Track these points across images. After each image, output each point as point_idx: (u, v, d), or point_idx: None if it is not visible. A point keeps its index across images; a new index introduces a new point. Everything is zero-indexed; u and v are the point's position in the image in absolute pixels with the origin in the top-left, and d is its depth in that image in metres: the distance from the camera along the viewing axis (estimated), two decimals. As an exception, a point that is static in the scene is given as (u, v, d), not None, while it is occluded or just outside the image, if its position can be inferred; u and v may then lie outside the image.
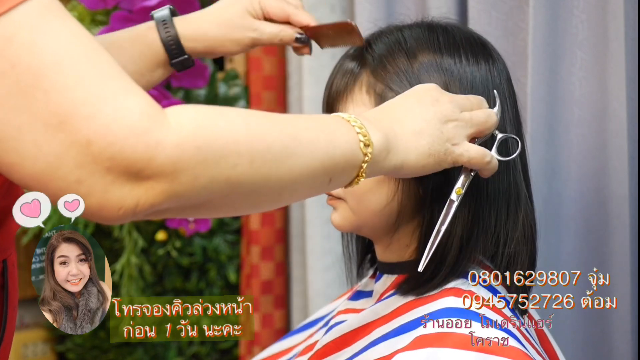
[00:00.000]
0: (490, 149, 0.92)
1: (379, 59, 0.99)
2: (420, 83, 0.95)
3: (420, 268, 0.91)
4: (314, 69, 1.67)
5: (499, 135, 0.93)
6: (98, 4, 1.64)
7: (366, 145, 0.81)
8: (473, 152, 0.88)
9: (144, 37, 1.06)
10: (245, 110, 0.79)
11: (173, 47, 1.05)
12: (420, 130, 0.86)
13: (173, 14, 1.07)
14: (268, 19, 1.06)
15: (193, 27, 1.06)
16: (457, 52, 0.98)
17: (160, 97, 1.56)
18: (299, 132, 0.78)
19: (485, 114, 0.91)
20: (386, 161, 0.84)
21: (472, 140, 0.91)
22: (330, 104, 1.02)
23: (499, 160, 0.92)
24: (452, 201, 0.91)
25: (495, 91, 0.95)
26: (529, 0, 1.30)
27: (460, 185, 0.91)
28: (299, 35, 1.06)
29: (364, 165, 0.82)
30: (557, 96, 1.32)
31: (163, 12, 1.06)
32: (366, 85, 0.99)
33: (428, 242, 0.92)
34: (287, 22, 1.07)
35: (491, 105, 0.95)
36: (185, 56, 1.06)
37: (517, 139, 0.94)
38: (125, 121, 0.68)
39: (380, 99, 0.97)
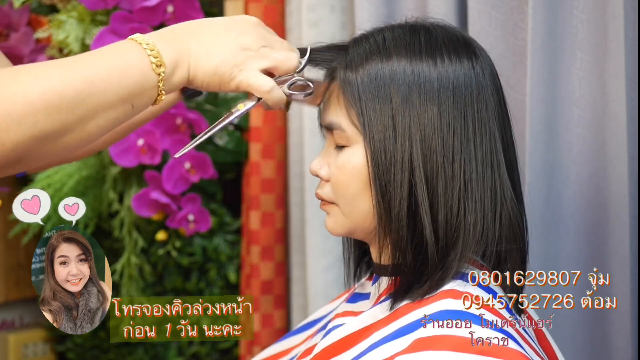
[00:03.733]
0: (283, 85, 0.98)
1: (352, 64, 0.99)
2: (388, 87, 0.96)
3: (177, 155, 0.97)
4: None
5: (295, 77, 0.99)
6: (98, 4, 1.64)
7: (158, 66, 0.89)
8: (253, 81, 0.95)
9: None
10: (40, 64, 0.86)
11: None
12: (213, 52, 0.93)
13: None
14: None
15: None
16: (438, 52, 0.97)
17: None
18: (90, 74, 0.86)
19: (285, 55, 0.97)
20: (176, 76, 0.92)
21: (270, 74, 0.97)
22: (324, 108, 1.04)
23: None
24: (231, 112, 0.98)
25: (309, 47, 1.02)
26: (529, 0, 1.30)
27: (242, 102, 0.98)
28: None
29: (161, 84, 0.90)
30: (556, 96, 1.31)
31: None
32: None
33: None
34: None
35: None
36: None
37: (308, 82, 0.99)
38: None
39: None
